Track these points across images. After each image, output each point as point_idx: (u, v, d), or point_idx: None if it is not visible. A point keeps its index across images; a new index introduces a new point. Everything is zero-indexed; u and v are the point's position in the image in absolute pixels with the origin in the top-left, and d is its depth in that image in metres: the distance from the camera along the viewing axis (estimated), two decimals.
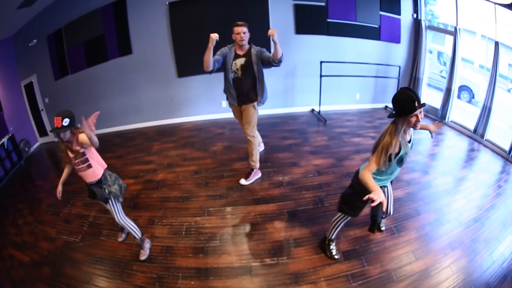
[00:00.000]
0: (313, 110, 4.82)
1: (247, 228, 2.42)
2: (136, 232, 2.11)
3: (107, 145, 4.28)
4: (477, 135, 3.66)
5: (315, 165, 3.30)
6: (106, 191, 1.91)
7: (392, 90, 4.51)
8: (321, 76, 4.17)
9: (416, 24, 4.32)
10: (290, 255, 2.13)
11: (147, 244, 2.22)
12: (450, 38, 4.08)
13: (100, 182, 1.91)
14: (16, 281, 2.16)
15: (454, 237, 2.26)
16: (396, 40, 4.43)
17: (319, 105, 4.47)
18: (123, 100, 4.50)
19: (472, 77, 5.37)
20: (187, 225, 2.49)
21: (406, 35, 4.40)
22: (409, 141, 1.53)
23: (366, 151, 3.51)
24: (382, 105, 4.86)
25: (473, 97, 5.43)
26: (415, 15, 4.22)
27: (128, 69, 3.67)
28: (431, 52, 5.55)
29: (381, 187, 1.53)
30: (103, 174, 1.93)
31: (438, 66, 5.99)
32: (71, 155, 1.79)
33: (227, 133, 4.28)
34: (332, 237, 2.04)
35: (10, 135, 4.04)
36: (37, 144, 4.77)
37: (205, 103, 4.69)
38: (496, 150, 3.47)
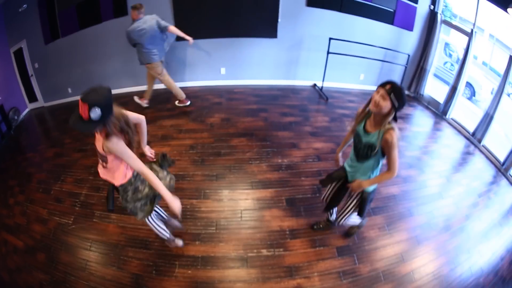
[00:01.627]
0: (315, 85, 4.71)
1: (245, 214, 2.41)
2: (164, 234, 1.99)
3: None
4: (474, 138, 3.71)
5: (315, 148, 3.22)
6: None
7: (397, 76, 4.50)
8: (328, 52, 4.07)
9: (432, 16, 4.23)
10: (286, 247, 2.16)
11: (179, 242, 2.15)
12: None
13: (116, 190, 1.67)
14: (12, 270, 2.16)
15: (441, 243, 2.33)
16: (409, 27, 4.34)
17: (323, 81, 4.39)
18: (116, 63, 4.27)
19: (475, 74, 5.31)
20: (183, 208, 2.43)
21: (420, 24, 4.32)
22: (368, 132, 1.52)
23: None
24: None
25: (474, 95, 5.42)
26: (432, 7, 4.16)
27: (122, 32, 3.32)
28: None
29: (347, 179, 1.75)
30: (122, 185, 1.62)
31: (444, 57, 5.91)
32: (97, 147, 1.44)
33: (225, 103, 4.06)
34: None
35: None
36: (26, 111, 4.65)
37: (203, 69, 4.45)
38: (490, 158, 3.52)
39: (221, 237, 2.22)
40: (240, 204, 2.49)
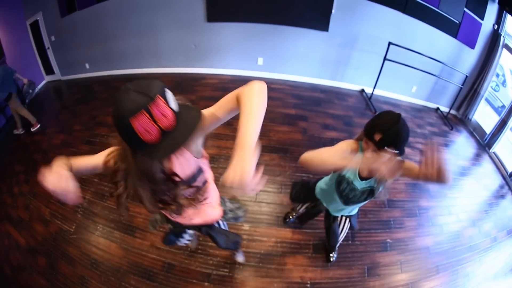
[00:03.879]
0: (363, 90, 4.30)
1: (264, 258, 2.11)
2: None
3: (114, 94, 3.76)
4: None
5: None
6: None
7: (449, 94, 4.26)
8: (385, 59, 3.70)
9: (494, 36, 3.87)
10: None
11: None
12: None
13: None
14: (14, 266, 2.18)
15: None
16: (471, 44, 3.99)
17: (373, 88, 4.02)
18: (137, 41, 4.02)
19: None
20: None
21: (482, 43, 3.95)
22: (365, 179, 1.28)
23: None
24: (434, 106, 4.48)
25: None
26: (496, 26, 3.83)
27: (145, 5, 3.25)
28: None
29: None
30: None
31: (495, 79, 5.33)
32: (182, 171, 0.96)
33: None
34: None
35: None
36: (43, 83, 4.68)
37: (237, 56, 4.05)
38: None
39: (234, 282, 1.97)
40: (260, 244, 2.18)
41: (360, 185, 1.29)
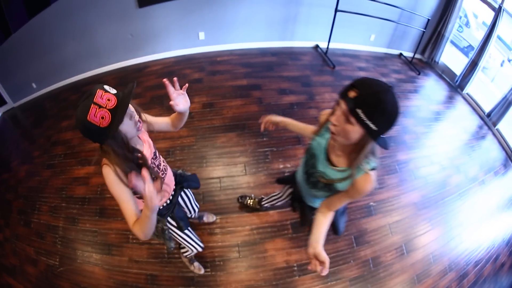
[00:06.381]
0: (317, 46, 4.12)
1: (243, 249, 2.13)
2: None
3: (64, 107, 3.65)
4: (490, 120, 3.49)
5: None
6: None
7: (411, 39, 4.17)
8: (336, 10, 3.52)
9: None
10: (295, 285, 1.97)
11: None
12: None
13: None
14: None
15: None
16: None
17: (328, 42, 3.85)
18: (75, 46, 3.77)
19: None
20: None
21: None
22: (331, 165, 1.05)
23: None
24: (396, 52, 4.34)
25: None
26: None
27: (75, 7, 3.05)
28: None
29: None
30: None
31: (457, 21, 5.20)
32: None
33: (206, 80, 3.38)
34: None
35: None
36: None
37: (177, 36, 3.78)
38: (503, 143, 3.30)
39: (219, 280, 2.01)
40: (236, 235, 2.19)
41: (323, 167, 1.08)
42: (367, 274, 2.01)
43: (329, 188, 1.08)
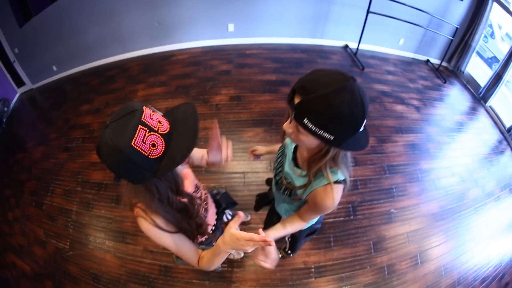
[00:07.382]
0: (346, 46, 4.03)
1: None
2: None
3: (84, 90, 3.61)
4: (510, 135, 3.33)
5: None
6: None
7: (439, 46, 4.10)
8: (368, 12, 3.47)
9: None
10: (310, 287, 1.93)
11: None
12: None
13: None
14: None
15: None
16: None
17: (358, 43, 3.78)
18: (98, 31, 3.76)
19: None
20: None
21: None
22: (296, 165, 0.94)
23: (409, 131, 2.84)
24: (424, 58, 4.28)
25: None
26: None
27: None
28: None
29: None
30: None
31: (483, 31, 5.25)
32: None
33: (235, 72, 3.30)
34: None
35: None
36: (17, 96, 4.49)
37: (206, 26, 3.71)
38: None
39: (234, 276, 1.94)
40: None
41: (289, 169, 0.97)
42: (381, 281, 1.97)
43: (290, 194, 0.97)
